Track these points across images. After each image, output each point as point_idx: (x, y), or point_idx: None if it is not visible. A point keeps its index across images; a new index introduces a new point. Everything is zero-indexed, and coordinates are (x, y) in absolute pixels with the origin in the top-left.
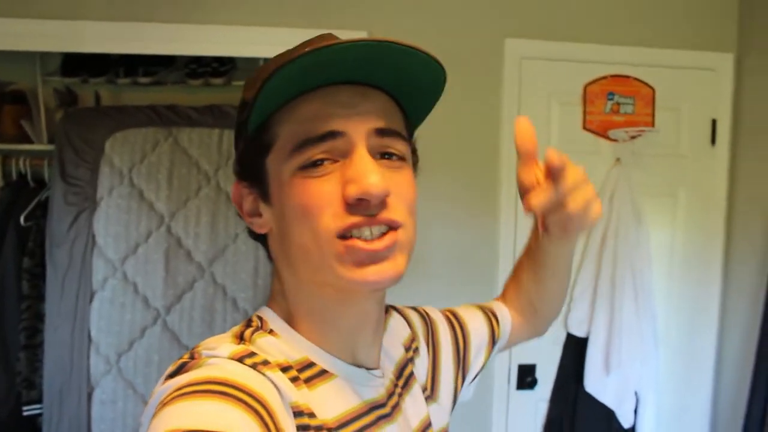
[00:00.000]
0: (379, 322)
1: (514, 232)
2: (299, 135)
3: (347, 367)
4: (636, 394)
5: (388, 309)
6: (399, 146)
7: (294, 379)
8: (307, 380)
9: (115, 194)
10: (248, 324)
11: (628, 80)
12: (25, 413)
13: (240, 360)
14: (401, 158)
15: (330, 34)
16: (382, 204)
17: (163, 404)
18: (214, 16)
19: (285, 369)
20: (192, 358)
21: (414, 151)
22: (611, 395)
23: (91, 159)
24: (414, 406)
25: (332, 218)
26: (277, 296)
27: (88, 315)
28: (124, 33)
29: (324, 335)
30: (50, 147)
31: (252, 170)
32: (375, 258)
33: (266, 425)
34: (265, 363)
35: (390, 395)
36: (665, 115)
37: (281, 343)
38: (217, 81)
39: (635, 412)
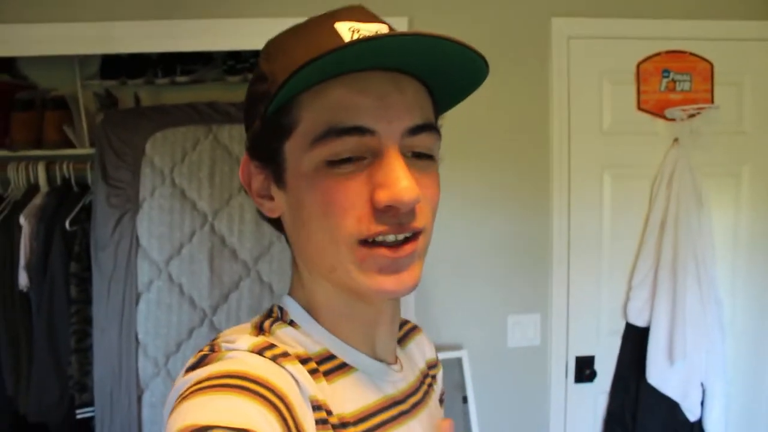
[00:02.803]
0: (395, 316)
1: (567, 214)
2: (323, 124)
3: (368, 361)
4: (702, 385)
5: (417, 327)
6: (430, 142)
7: (313, 372)
8: (327, 373)
9: (157, 195)
10: (269, 314)
11: (683, 56)
12: (78, 416)
13: (260, 352)
14: (430, 157)
15: (360, 7)
16: (411, 211)
17: (183, 398)
18: (250, 9)
19: (304, 361)
20: (212, 350)
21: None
22: (675, 387)
23: (132, 160)
24: (433, 416)
25: (356, 222)
26: (297, 285)
27: (135, 318)
28: (159, 31)
29: (342, 327)
30: (92, 151)
31: (266, 151)
32: (396, 266)
33: (284, 419)
34: (285, 355)
35: (410, 394)
36: (725, 90)
37: (301, 335)
38: None
39: (702, 404)
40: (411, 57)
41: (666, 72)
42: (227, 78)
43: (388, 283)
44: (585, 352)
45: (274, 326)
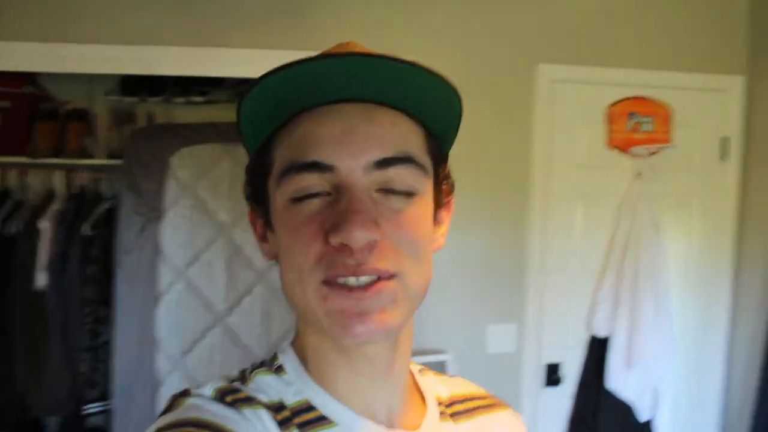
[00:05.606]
0: (390, 369)
1: (542, 236)
2: (286, 160)
3: (351, 416)
4: (654, 389)
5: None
6: (407, 177)
7: (285, 421)
8: (302, 425)
9: (180, 205)
10: (263, 360)
11: (647, 101)
12: (86, 411)
13: (221, 398)
14: (408, 193)
15: (350, 43)
16: (370, 250)
17: None
18: (262, 41)
19: (277, 410)
20: (182, 394)
21: (447, 176)
22: (631, 391)
23: (158, 172)
24: None
25: (315, 262)
26: (297, 331)
27: (155, 317)
28: (183, 57)
29: (330, 377)
30: (108, 162)
31: (256, 194)
32: (361, 308)
33: None
34: (248, 400)
35: None
36: (681, 132)
37: (281, 383)
38: None
39: (653, 406)
40: (375, 84)
41: (632, 114)
42: (238, 100)
43: (353, 326)
44: (554, 360)
45: (254, 372)
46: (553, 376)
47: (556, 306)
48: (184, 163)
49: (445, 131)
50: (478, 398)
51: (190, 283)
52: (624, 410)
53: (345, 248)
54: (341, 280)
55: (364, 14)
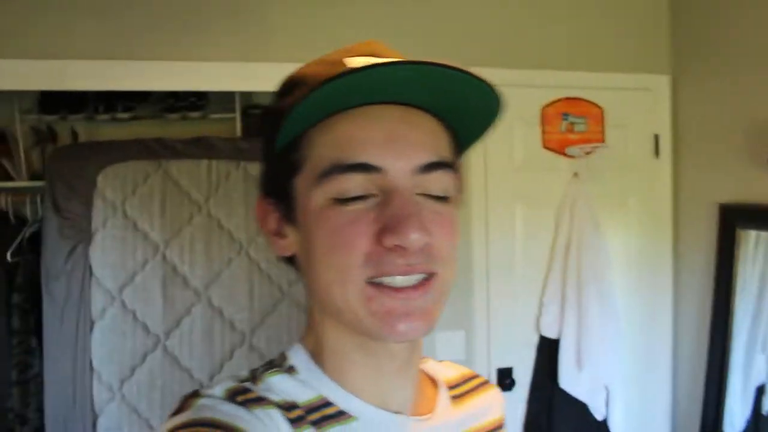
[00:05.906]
0: (409, 363)
1: (485, 241)
2: (329, 160)
3: (371, 409)
4: (606, 387)
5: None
6: (445, 182)
7: (297, 419)
8: (317, 422)
9: (109, 226)
10: (272, 360)
11: (579, 102)
12: None
13: (232, 398)
14: (446, 196)
15: (371, 42)
16: (421, 252)
17: None
18: (191, 53)
19: (288, 408)
20: (192, 395)
21: (460, 178)
22: (584, 390)
23: (84, 193)
24: None
25: (363, 261)
26: (308, 328)
27: (89, 344)
28: (104, 71)
29: (348, 373)
30: (30, 184)
31: (278, 189)
32: (406, 309)
33: None
34: (259, 400)
35: None
36: (614, 132)
37: (294, 382)
38: (195, 114)
39: (606, 404)
40: (420, 88)
41: (565, 115)
42: (167, 115)
43: (399, 326)
44: (505, 364)
45: (266, 373)
46: (505, 380)
47: (503, 310)
48: (111, 182)
49: (470, 137)
50: (472, 378)
51: (124, 306)
52: (578, 410)
53: (397, 249)
54: (388, 279)
55: (290, 22)
